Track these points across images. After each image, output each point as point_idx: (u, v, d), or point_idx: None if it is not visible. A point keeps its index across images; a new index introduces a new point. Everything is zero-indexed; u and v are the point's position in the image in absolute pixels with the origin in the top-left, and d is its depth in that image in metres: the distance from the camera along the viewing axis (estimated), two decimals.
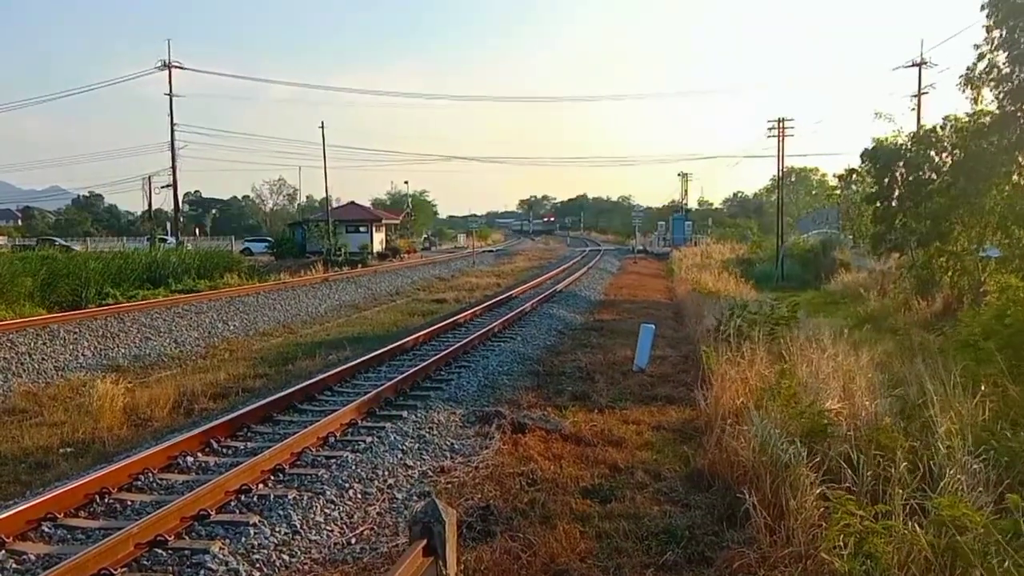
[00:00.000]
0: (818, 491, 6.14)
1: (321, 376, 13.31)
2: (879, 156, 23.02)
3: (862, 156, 23.76)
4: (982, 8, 18.96)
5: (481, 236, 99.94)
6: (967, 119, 20.86)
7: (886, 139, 23.42)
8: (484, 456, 9.22)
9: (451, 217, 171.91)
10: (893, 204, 22.91)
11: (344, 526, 7.26)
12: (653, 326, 15.79)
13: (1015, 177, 19.22)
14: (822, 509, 5.92)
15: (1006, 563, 4.37)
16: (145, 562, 6.27)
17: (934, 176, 21.63)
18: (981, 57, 19.56)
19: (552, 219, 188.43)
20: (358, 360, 14.82)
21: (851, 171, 28.37)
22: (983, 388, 7.94)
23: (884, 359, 11.85)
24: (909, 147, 22.59)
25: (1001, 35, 18.80)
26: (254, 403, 11.66)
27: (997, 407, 7.70)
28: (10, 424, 12.56)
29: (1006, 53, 18.78)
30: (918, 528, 4.80)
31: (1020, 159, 18.98)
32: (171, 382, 14.94)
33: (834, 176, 36.35)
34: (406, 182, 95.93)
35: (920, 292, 21.54)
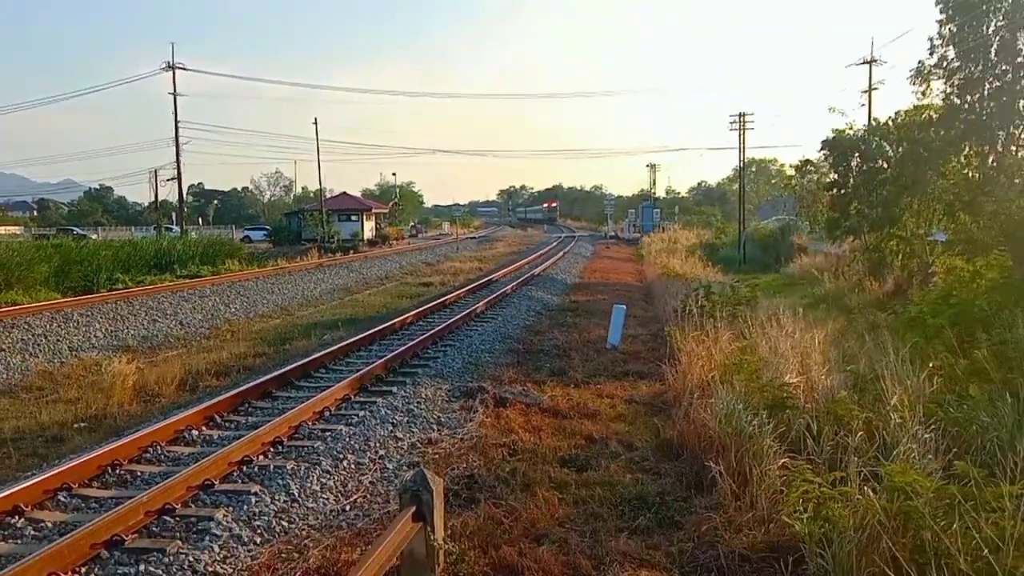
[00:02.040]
0: (781, 461, 6.17)
1: (316, 355, 13.22)
2: (837, 146, 23.15)
3: (822, 145, 23.87)
4: (936, 3, 19.03)
5: (464, 224, 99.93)
6: (913, 111, 21.06)
7: (844, 131, 23.55)
8: (469, 428, 9.20)
9: (436, 206, 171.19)
10: (848, 192, 23.06)
11: (339, 494, 7.25)
12: (624, 307, 15.84)
13: (959, 166, 19.39)
14: (783, 477, 5.95)
15: (954, 525, 4.40)
16: (154, 528, 6.27)
17: (885, 165, 21.79)
18: (933, 51, 19.66)
19: (552, 205, 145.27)
20: (351, 340, 14.75)
21: (806, 161, 28.52)
22: (931, 363, 7.99)
23: (838, 336, 11.91)
24: (864, 138, 22.74)
25: (951, 31, 18.93)
26: (254, 380, 11.63)
27: (944, 380, 7.76)
28: (28, 401, 12.67)
29: (955, 48, 18.92)
30: (872, 494, 4.82)
31: (965, 149, 19.14)
32: (177, 361, 14.97)
33: (791, 166, 36.40)
34: (394, 174, 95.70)
35: (872, 274, 21.73)
